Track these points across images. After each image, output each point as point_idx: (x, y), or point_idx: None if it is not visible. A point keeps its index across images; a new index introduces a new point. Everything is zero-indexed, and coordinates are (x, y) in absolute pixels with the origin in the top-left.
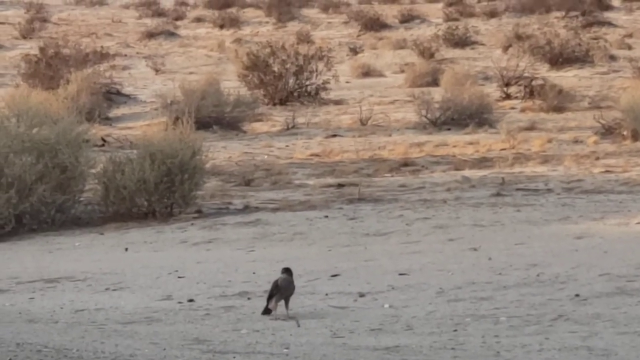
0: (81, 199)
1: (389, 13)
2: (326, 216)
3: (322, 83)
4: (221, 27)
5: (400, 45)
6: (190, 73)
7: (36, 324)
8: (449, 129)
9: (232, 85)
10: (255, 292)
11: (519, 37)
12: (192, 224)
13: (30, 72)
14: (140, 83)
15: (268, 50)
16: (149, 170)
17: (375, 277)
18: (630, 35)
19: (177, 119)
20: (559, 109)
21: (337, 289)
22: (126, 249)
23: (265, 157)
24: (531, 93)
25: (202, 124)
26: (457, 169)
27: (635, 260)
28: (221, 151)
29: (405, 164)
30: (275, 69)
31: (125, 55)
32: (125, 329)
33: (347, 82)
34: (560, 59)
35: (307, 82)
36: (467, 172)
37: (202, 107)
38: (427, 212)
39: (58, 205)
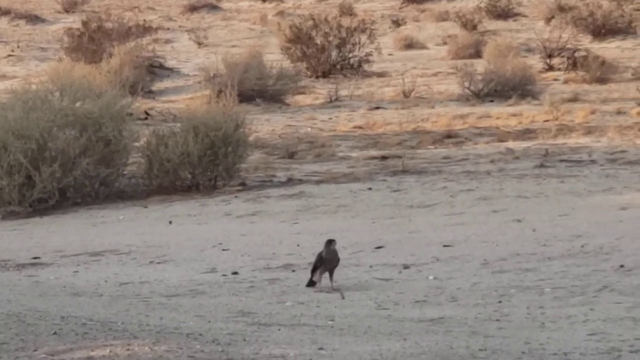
0: (125, 172)
1: None
2: (370, 188)
3: (365, 55)
4: (263, 0)
5: (443, 17)
6: (233, 46)
7: (81, 297)
8: (492, 101)
9: (275, 58)
10: (300, 264)
11: (561, 9)
12: (236, 196)
13: (73, 46)
14: (183, 56)
15: (311, 22)
16: (193, 143)
17: (420, 249)
18: None
19: (220, 92)
20: (602, 80)
21: (381, 261)
22: (170, 222)
23: (309, 129)
24: (574, 64)
25: (245, 97)
26: (500, 141)
27: None
28: (264, 124)
29: (449, 136)
30: (318, 41)
31: (168, 29)
32: (169, 302)
33: (390, 55)
34: (603, 30)
35: (350, 55)
36: (511, 144)
37: (245, 80)
38: (471, 184)
39: (102, 178)
